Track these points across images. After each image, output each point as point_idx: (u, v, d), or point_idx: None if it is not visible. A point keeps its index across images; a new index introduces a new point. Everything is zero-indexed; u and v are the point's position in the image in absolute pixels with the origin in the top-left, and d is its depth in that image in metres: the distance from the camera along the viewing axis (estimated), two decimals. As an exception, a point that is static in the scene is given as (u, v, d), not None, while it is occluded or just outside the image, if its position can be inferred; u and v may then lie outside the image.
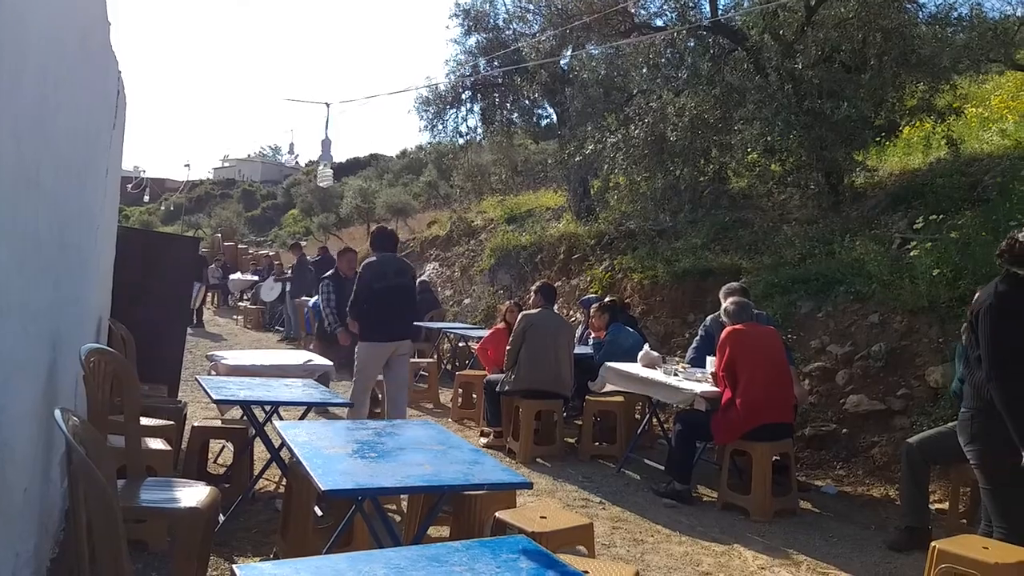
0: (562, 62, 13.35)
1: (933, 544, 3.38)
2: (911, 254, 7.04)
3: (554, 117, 15.05)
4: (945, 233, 6.96)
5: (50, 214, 2.91)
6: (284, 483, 4.51)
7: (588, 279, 11.39)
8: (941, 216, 7.30)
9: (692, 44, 10.29)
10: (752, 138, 8.87)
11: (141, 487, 3.22)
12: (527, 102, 15.25)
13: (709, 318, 6.52)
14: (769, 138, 8.71)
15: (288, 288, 14.83)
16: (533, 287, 7.38)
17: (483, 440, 6.95)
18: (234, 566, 1.81)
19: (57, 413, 2.07)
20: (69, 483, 2.06)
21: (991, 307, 3.49)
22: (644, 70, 10.68)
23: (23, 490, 2.67)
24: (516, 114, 15.88)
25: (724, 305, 5.71)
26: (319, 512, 4.08)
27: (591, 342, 7.75)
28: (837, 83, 8.32)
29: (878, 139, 9.12)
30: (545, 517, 3.36)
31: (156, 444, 4.12)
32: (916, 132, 9.55)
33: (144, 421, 4.14)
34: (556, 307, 7.53)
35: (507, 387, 6.69)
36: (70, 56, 3.09)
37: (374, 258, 6.34)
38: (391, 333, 6.15)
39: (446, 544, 2.14)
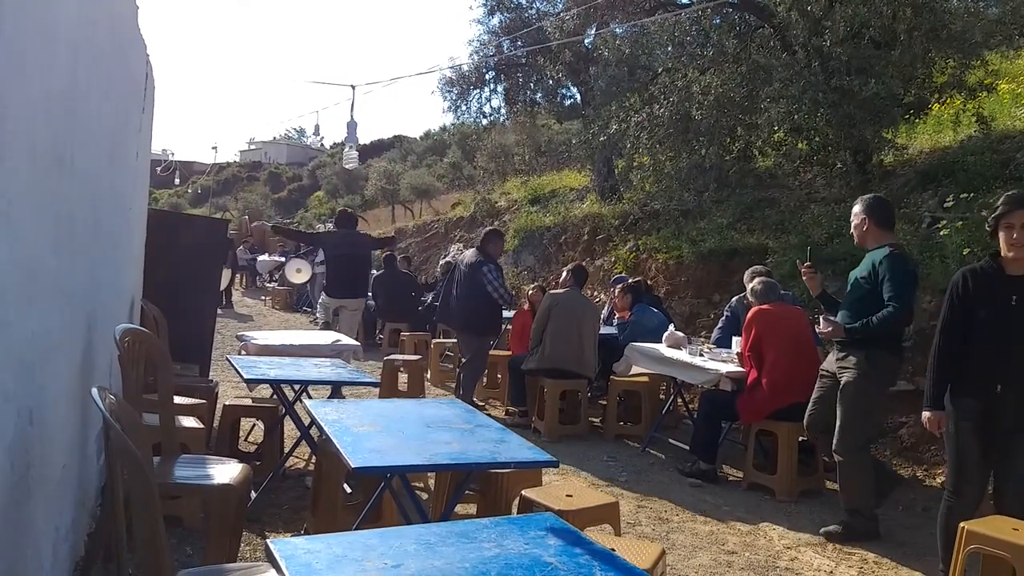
0: (586, 41, 13.25)
1: (962, 525, 3.35)
2: (941, 233, 6.94)
3: (578, 97, 14.96)
4: (976, 212, 6.85)
5: (83, 196, 2.96)
6: (314, 461, 4.58)
7: (612, 260, 11.36)
8: (972, 194, 7.19)
9: (718, 21, 10.15)
10: (779, 116, 8.76)
11: (175, 464, 3.29)
12: (551, 82, 15.16)
13: (735, 299, 6.50)
14: (796, 116, 8.60)
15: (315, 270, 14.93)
16: (568, 267, 7.40)
17: (508, 419, 7.00)
18: (268, 541, 1.84)
19: (94, 391, 2.11)
20: (107, 459, 2.11)
21: (953, 282, 3.71)
22: (669, 48, 10.56)
23: (61, 466, 2.74)
24: (540, 94, 15.81)
25: (751, 285, 5.69)
26: (348, 489, 4.15)
27: (616, 322, 7.75)
28: (866, 60, 8.18)
29: (907, 116, 8.96)
30: (571, 495, 3.38)
31: (189, 422, 4.19)
32: (946, 109, 9.37)
33: (177, 400, 4.21)
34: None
35: (531, 365, 6.73)
36: (100, 40, 3.12)
37: (334, 232, 8.68)
38: (338, 291, 8.07)
39: (475, 520, 2.17)
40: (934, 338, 3.74)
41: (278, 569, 1.71)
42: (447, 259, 13.34)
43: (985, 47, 8.88)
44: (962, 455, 3.65)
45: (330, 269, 8.39)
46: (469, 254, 7.49)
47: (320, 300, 8.39)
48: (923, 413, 3.73)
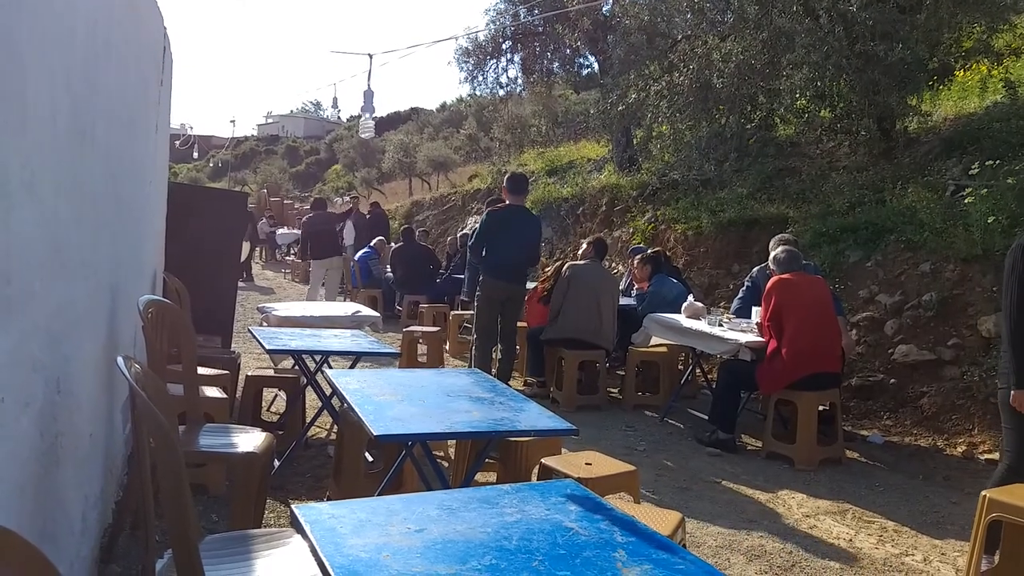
0: (604, 8, 13.09)
1: (983, 493, 3.34)
2: (965, 201, 6.85)
3: (595, 66, 14.81)
4: (1001, 179, 6.75)
5: (104, 169, 2.98)
6: (336, 430, 4.62)
7: (631, 231, 11.31)
8: (997, 162, 7.07)
9: (739, -14, 9.98)
10: (801, 83, 8.63)
11: (200, 433, 3.33)
12: (568, 51, 15.01)
13: (756, 269, 6.46)
14: (819, 83, 8.47)
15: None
16: (589, 239, 7.44)
17: (526, 389, 7.03)
18: (293, 506, 1.87)
19: (120, 360, 2.14)
20: (133, 426, 2.15)
21: (1017, 246, 3.53)
22: (689, 15, 10.41)
23: (89, 435, 2.78)
24: (557, 64, 15.68)
25: (773, 254, 5.65)
26: (370, 458, 4.19)
27: (634, 293, 7.73)
28: (891, 24, 8.01)
29: (932, 83, 8.80)
30: (590, 464, 3.39)
31: (212, 392, 4.24)
32: (972, 75, 9.20)
33: (200, 370, 4.25)
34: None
35: (550, 335, 6.76)
36: (118, 11, 3.12)
37: (312, 214, 11.83)
38: (321, 253, 11.16)
39: (496, 487, 2.19)
40: (1012, 317, 3.48)
41: (303, 534, 1.74)
42: (464, 231, 13.32)
43: (1013, 11, 8.69)
44: None
45: (313, 240, 11.43)
46: None
47: (311, 269, 11.74)
48: (1012, 393, 3.47)
